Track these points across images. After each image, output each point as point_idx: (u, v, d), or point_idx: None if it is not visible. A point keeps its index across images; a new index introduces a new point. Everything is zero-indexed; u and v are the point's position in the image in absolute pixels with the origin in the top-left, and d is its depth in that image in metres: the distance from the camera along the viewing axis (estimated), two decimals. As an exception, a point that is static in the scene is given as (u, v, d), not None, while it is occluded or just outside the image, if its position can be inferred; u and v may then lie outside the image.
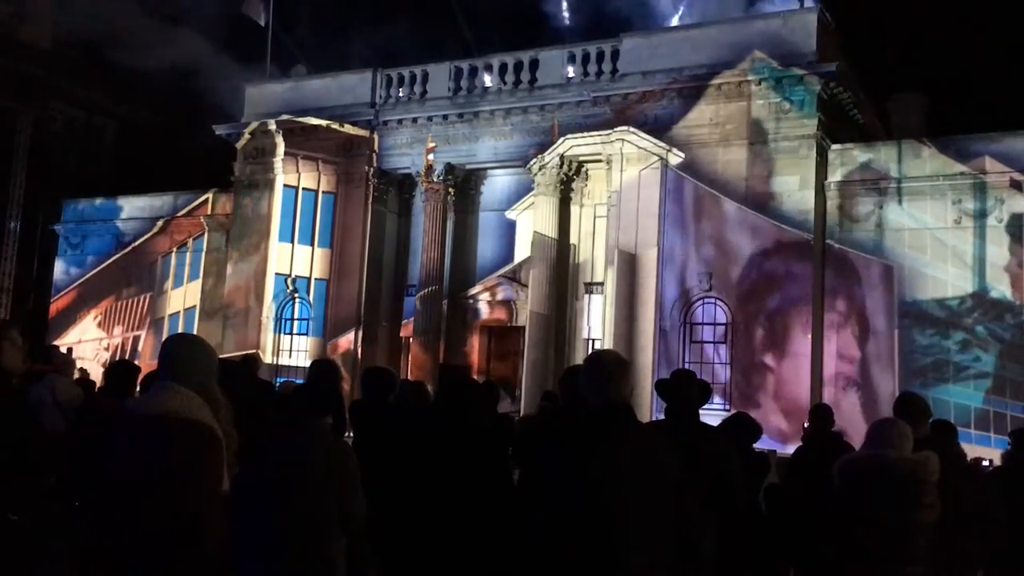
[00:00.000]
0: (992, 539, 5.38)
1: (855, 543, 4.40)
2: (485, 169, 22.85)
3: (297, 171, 23.81)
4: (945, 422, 6.45)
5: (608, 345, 18.59)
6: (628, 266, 19.44)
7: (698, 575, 3.43)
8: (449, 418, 4.43)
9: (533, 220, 21.27)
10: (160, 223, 27.30)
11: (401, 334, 23.44)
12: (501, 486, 4.23)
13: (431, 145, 22.17)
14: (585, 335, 20.94)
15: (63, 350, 17.11)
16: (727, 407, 17.14)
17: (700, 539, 3.45)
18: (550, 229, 20.94)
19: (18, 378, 3.69)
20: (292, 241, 23.62)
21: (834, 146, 18.95)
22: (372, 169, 23.19)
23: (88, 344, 27.79)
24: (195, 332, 23.33)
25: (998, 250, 17.46)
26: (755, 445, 6.32)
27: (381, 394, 6.15)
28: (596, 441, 3.38)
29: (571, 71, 21.34)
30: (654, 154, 19.59)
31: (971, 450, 6.11)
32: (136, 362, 7.14)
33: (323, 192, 23.66)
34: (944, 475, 4.52)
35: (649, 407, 16.60)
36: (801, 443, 7.81)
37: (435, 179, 22.39)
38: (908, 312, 17.91)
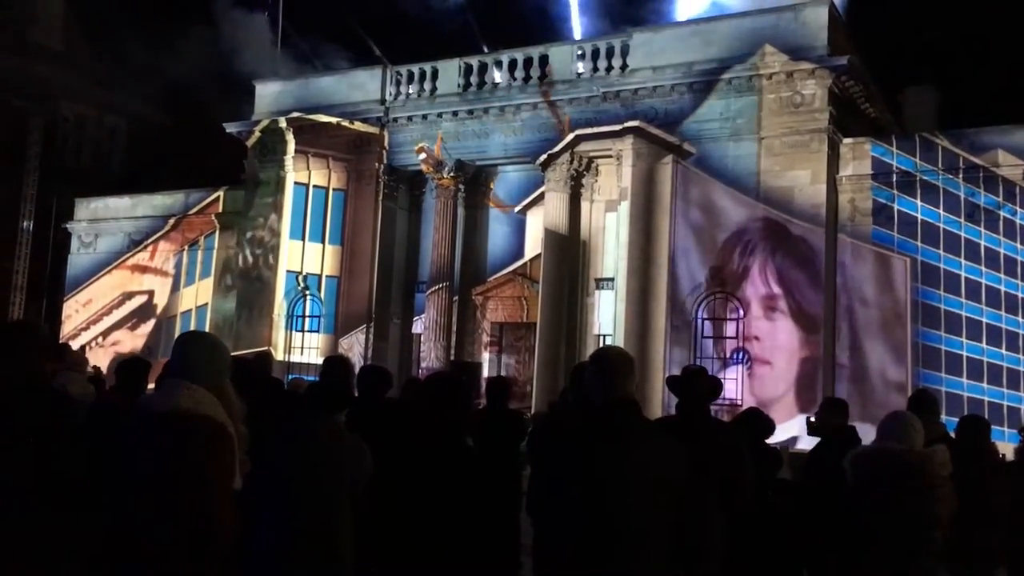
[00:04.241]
0: (1015, 534, 5.36)
1: (868, 537, 4.39)
2: (495, 165, 22.84)
3: (308, 168, 23.84)
4: (976, 417, 6.40)
5: (619, 341, 18.56)
6: (639, 262, 19.40)
7: (705, 572, 3.42)
8: (420, 421, 4.45)
9: (544, 216, 21.25)
10: (171, 221, 27.40)
11: (412, 331, 23.48)
12: (479, 485, 4.24)
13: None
14: (596, 331, 20.92)
15: (75, 348, 17.19)
16: (739, 403, 17.10)
17: (706, 537, 3.45)
18: (560, 225, 20.92)
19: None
20: (303, 238, 23.67)
21: (846, 140, 18.87)
22: (382, 166, 23.21)
23: (100, 342, 27.93)
24: (207, 330, 23.41)
25: (1011, 243, 17.39)
26: (768, 440, 6.29)
27: (377, 392, 6.19)
28: (601, 437, 3.38)
29: (581, 66, 21.30)
30: (664, 149, 19.55)
31: (984, 444, 6.08)
32: (148, 360, 7.15)
33: (333, 189, 23.69)
34: (968, 470, 4.50)
35: (661, 403, 16.58)
36: (808, 436, 7.77)
37: (445, 175, 22.41)
38: (921, 306, 17.83)
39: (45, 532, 3.38)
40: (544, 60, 21.55)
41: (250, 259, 24.58)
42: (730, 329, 18.89)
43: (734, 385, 18.11)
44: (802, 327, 18.01)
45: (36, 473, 3.39)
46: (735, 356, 18.39)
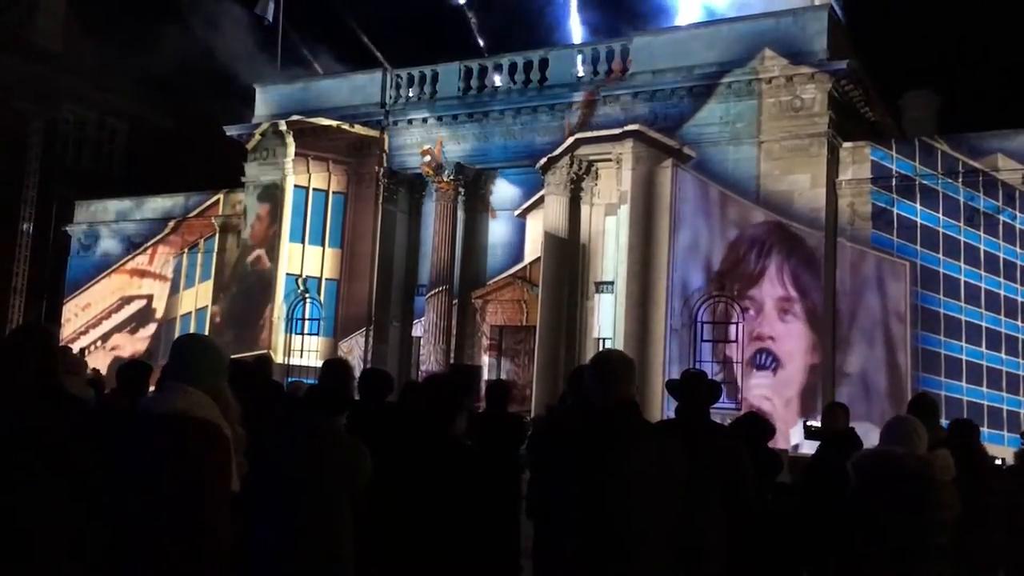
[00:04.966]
0: (1014, 536, 5.36)
1: (871, 541, 4.38)
2: (495, 169, 22.85)
3: (308, 171, 23.86)
4: (966, 421, 6.40)
5: (619, 344, 18.57)
6: (639, 265, 19.41)
7: (705, 574, 3.43)
8: (419, 424, 4.44)
9: (543, 219, 21.25)
10: (171, 224, 27.40)
11: (412, 334, 23.48)
12: (479, 488, 4.24)
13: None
14: (596, 334, 20.92)
15: (75, 351, 17.15)
16: (737, 406, 17.10)
17: (706, 539, 3.44)
18: (560, 228, 20.93)
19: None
20: (303, 241, 23.68)
21: (845, 144, 18.88)
22: (382, 169, 23.22)
23: (100, 345, 27.91)
24: (206, 333, 23.43)
25: (1011, 247, 17.39)
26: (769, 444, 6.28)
27: (378, 395, 6.19)
28: (602, 440, 3.39)
29: (581, 70, 21.32)
30: (664, 153, 19.56)
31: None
32: (150, 363, 7.15)
33: (333, 192, 23.71)
34: (963, 472, 4.49)
35: (660, 406, 16.57)
36: (806, 439, 7.78)
37: (445, 178, 22.43)
38: (920, 310, 17.83)
39: (57, 535, 3.37)
40: (544, 64, 21.56)
41: (249, 262, 24.58)
42: (729, 332, 18.90)
43: (733, 389, 18.10)
44: (801, 330, 18.00)
45: (51, 477, 3.38)
46: (759, 359, 18.27)
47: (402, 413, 6.25)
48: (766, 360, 18.20)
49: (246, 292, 24.53)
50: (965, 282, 17.65)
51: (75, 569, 3.45)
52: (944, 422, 6.52)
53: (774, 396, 17.89)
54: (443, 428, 4.33)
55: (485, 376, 21.14)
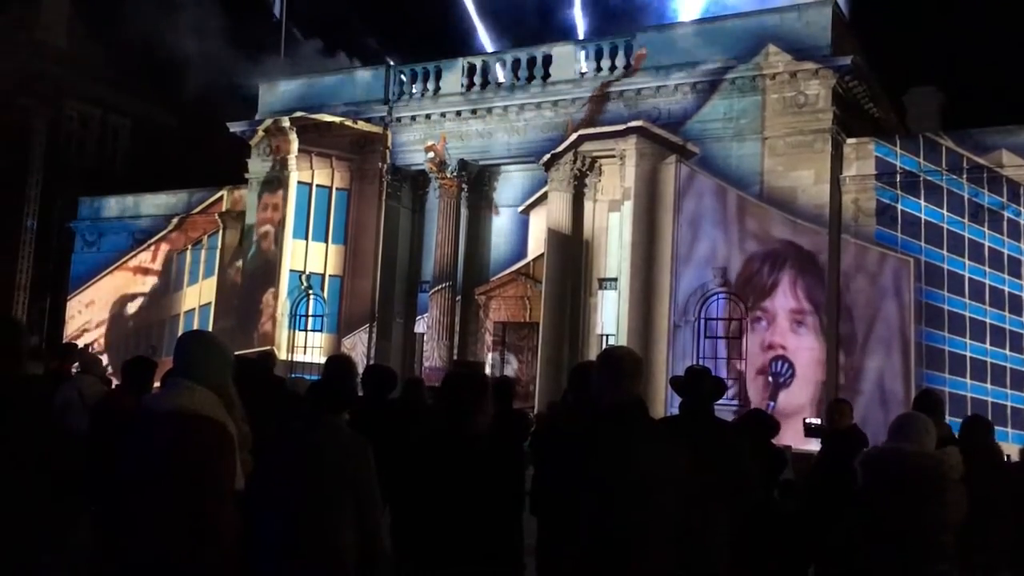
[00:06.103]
0: (1020, 534, 5.33)
1: (877, 539, 4.37)
2: (498, 165, 22.83)
3: (311, 168, 23.85)
4: (979, 417, 6.36)
5: (622, 341, 18.55)
6: (642, 262, 19.39)
7: (710, 571, 3.42)
8: (443, 422, 4.42)
9: (546, 216, 21.23)
10: (175, 220, 27.44)
11: (415, 330, 23.49)
12: (499, 488, 4.23)
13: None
14: (599, 331, 20.91)
15: (79, 347, 17.14)
16: (741, 403, 17.08)
17: (710, 536, 3.44)
18: (564, 225, 20.91)
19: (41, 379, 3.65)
20: (306, 238, 23.67)
21: (849, 140, 18.84)
22: (386, 165, 23.21)
23: (104, 341, 27.93)
24: (210, 329, 23.44)
25: (1015, 243, 17.35)
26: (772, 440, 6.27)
27: (382, 392, 6.19)
28: (609, 438, 3.38)
29: (584, 67, 21.28)
30: (668, 149, 19.53)
31: (989, 445, 6.06)
32: (154, 359, 7.16)
33: (337, 189, 23.70)
34: (972, 470, 4.46)
35: (664, 403, 16.56)
36: (805, 436, 7.75)
37: (448, 174, 22.42)
38: (924, 306, 17.80)
39: (30, 527, 3.36)
40: (548, 60, 21.53)
41: (253, 258, 24.59)
42: (733, 329, 18.87)
43: (736, 386, 18.06)
44: (805, 326, 17.97)
45: (14, 472, 3.36)
46: (775, 366, 18.19)
47: (410, 411, 6.24)
48: (782, 367, 18.11)
49: (249, 288, 24.53)
50: (969, 278, 17.61)
51: (54, 560, 3.43)
52: (956, 421, 6.50)
53: (781, 393, 17.84)
54: (480, 427, 4.31)
55: (488, 373, 21.14)
